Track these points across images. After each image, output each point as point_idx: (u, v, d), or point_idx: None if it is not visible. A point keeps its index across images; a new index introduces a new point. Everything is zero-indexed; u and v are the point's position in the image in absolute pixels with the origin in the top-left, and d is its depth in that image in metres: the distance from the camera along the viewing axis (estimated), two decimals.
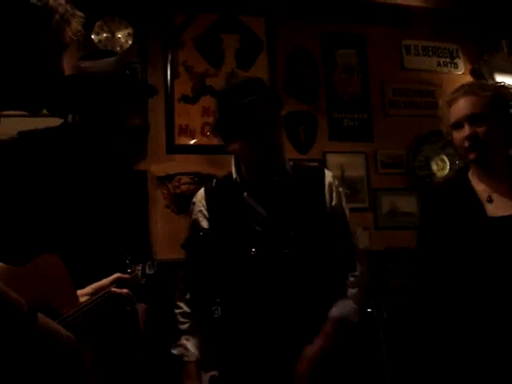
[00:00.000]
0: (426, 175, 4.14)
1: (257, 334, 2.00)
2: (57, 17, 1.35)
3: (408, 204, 3.98)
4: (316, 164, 2.37)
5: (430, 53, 4.36)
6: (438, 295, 2.08)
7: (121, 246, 1.93)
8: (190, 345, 2.11)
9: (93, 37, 3.64)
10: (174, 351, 2.13)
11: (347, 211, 2.21)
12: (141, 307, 2.17)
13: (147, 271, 1.89)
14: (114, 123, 2.02)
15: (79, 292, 1.66)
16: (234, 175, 2.20)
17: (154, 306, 2.20)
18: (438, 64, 4.36)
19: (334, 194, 2.17)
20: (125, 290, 1.72)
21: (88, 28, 3.62)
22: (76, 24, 1.43)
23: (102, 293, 1.67)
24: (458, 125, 2.12)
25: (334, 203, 2.16)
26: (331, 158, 4.00)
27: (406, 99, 4.24)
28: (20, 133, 2.01)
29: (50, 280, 1.44)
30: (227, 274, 2.07)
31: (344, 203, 2.21)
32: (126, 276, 1.79)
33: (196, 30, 3.93)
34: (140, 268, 1.88)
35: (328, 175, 2.21)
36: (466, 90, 2.15)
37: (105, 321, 1.67)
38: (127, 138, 2.08)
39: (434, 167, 4.17)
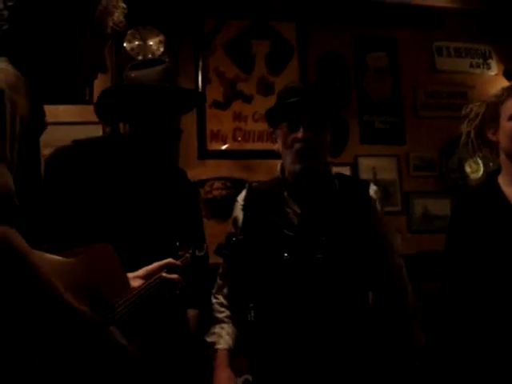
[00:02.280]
0: (459, 177, 4.10)
1: (289, 339, 2.00)
2: (100, 7, 1.38)
3: (441, 207, 3.93)
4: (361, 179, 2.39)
5: (463, 54, 4.31)
6: (468, 299, 2.06)
7: (172, 232, 1.98)
8: (224, 333, 2.13)
9: (125, 45, 3.70)
10: (208, 339, 2.14)
11: (390, 229, 2.23)
12: (193, 312, 2.22)
13: (197, 254, 1.96)
14: (163, 131, 2.07)
15: (132, 274, 1.71)
16: (278, 175, 2.22)
17: (203, 289, 2.22)
18: (471, 65, 4.31)
19: (378, 210, 2.18)
20: (175, 276, 1.77)
21: (121, 36, 3.68)
22: (119, 15, 1.46)
23: (153, 279, 1.71)
24: None
25: (377, 218, 2.16)
26: (363, 162, 3.99)
27: (438, 101, 4.20)
28: (75, 141, 2.10)
29: (102, 269, 1.48)
30: (260, 279, 2.08)
31: (386, 221, 2.23)
32: (177, 262, 1.83)
33: (226, 36, 3.96)
34: (190, 251, 1.94)
35: (373, 189, 2.21)
36: None
37: (154, 309, 1.71)
38: (168, 142, 2.13)
39: (468, 169, 4.12)
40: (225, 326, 2.15)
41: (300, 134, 2.08)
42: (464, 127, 2.28)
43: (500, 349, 1.95)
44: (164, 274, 1.76)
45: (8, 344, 1.03)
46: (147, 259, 1.80)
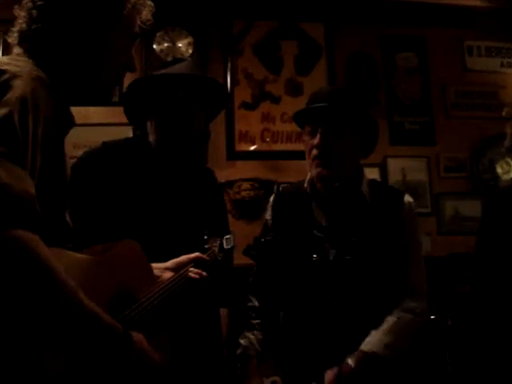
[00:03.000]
0: (491, 178, 4.04)
1: (318, 340, 1.99)
2: (129, 6, 1.38)
3: (472, 208, 3.87)
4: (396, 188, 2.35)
5: (493, 53, 4.25)
6: (499, 302, 2.03)
7: (199, 227, 2.00)
8: (254, 340, 2.17)
9: (154, 46, 3.73)
10: (241, 341, 2.19)
11: (417, 240, 2.18)
12: (224, 312, 2.24)
13: (225, 246, 1.96)
14: (190, 129, 2.08)
15: (162, 265, 1.73)
16: (306, 182, 2.22)
17: (231, 280, 2.25)
18: (502, 65, 4.25)
19: (409, 222, 2.14)
20: (203, 273, 1.79)
21: (150, 38, 3.71)
22: (146, 13, 1.46)
23: (179, 274, 1.72)
24: None
25: (408, 234, 2.12)
26: (392, 163, 3.96)
27: (469, 101, 4.14)
28: (104, 143, 2.14)
29: (128, 266, 1.48)
30: (289, 280, 2.08)
31: (419, 235, 2.19)
32: (205, 257, 1.85)
33: (255, 37, 3.97)
34: (217, 244, 1.94)
35: (407, 201, 2.17)
36: None
37: (182, 305, 1.72)
38: (195, 144, 2.14)
39: (499, 170, 4.06)
40: (256, 332, 2.19)
41: (316, 141, 2.08)
42: (509, 129, 2.24)
43: None
44: (190, 269, 1.77)
45: (23, 350, 1.02)
46: (175, 253, 1.82)
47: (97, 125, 3.54)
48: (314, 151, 2.09)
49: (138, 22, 1.44)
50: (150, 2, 1.47)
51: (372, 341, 1.99)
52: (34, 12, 1.29)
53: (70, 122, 1.39)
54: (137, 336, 1.23)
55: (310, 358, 2.01)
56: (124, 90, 2.20)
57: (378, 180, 3.46)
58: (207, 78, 2.28)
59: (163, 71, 2.15)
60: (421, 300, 2.11)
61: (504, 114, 2.26)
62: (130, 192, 2.01)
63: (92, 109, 3.55)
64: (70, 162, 1.49)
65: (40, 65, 1.23)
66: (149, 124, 2.12)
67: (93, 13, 1.31)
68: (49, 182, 1.18)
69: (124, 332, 1.18)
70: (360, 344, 1.97)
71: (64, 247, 1.20)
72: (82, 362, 1.13)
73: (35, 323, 1.02)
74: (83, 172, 2.04)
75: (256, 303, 2.23)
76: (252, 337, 2.18)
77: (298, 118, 2.22)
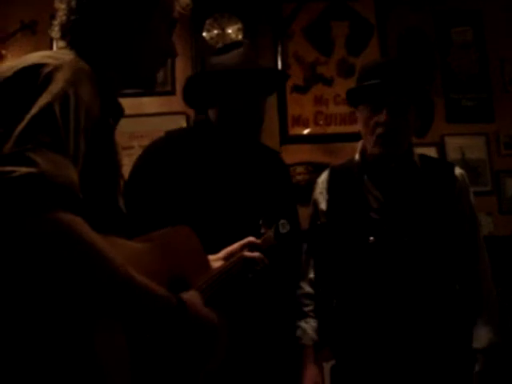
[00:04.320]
0: None
1: (375, 324, 1.97)
2: None
3: None
4: (447, 161, 2.29)
5: None
6: None
7: (261, 212, 1.97)
8: (309, 328, 2.12)
9: (204, 34, 3.73)
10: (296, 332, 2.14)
11: (476, 215, 2.14)
12: None
13: (280, 230, 1.90)
14: (251, 116, 2.09)
15: (213, 256, 1.73)
16: (357, 157, 2.18)
17: (288, 268, 2.20)
18: None
19: (464, 194, 2.10)
20: (257, 254, 1.76)
21: (199, 26, 3.72)
22: None
23: (233, 259, 1.71)
24: None
25: (464, 204, 2.09)
26: (450, 141, 3.86)
27: None
28: (168, 132, 2.18)
29: (182, 252, 1.48)
30: (345, 263, 2.06)
31: (474, 208, 2.13)
32: (258, 241, 1.82)
33: (305, 20, 3.92)
34: (273, 229, 1.91)
35: (459, 173, 2.12)
36: None
37: (237, 288, 1.71)
38: (258, 128, 2.15)
39: None
40: (310, 320, 2.14)
41: (383, 118, 2.03)
42: None
43: None
44: (245, 253, 1.75)
45: (75, 332, 1.03)
46: (232, 239, 1.81)
47: (151, 115, 3.59)
48: (380, 129, 2.04)
49: (177, 8, 1.44)
50: None
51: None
52: (73, 3, 1.31)
53: (120, 112, 1.40)
54: (191, 298, 1.23)
55: (366, 343, 1.99)
56: (176, 79, 2.22)
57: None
58: (268, 69, 2.26)
59: (215, 60, 2.15)
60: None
61: None
62: (194, 180, 2.02)
63: (145, 99, 3.59)
64: (128, 152, 1.50)
65: (82, 55, 1.24)
66: (211, 111, 2.14)
67: (131, 0, 1.32)
68: (97, 170, 1.19)
69: (178, 299, 1.18)
70: (420, 328, 1.93)
71: (116, 234, 1.21)
72: (141, 337, 1.14)
73: (85, 302, 1.03)
74: (149, 162, 2.08)
75: (309, 289, 2.17)
76: (306, 325, 2.13)
77: (356, 94, 2.15)
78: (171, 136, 2.19)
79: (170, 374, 1.24)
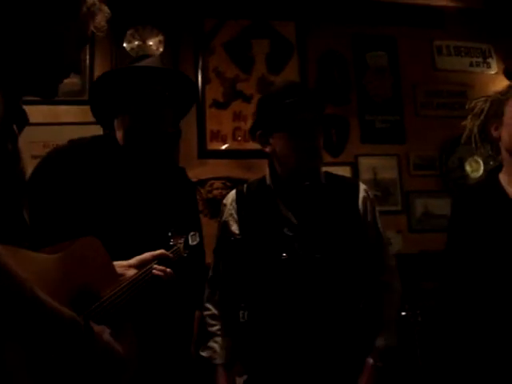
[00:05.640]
0: (460, 177, 4.09)
1: (286, 339, 1.99)
2: (84, 9, 1.36)
3: (441, 206, 3.89)
4: (350, 177, 2.35)
5: (462, 53, 4.30)
6: (468, 298, 2.06)
7: (166, 225, 1.97)
8: (218, 347, 2.10)
9: (125, 45, 3.70)
10: (203, 353, 2.12)
11: (382, 229, 2.20)
12: (198, 313, 2.23)
13: (190, 242, 1.91)
14: (157, 126, 2.07)
15: (125, 262, 1.70)
16: (268, 181, 2.20)
17: (197, 279, 2.20)
18: (471, 64, 4.31)
19: (369, 209, 2.15)
20: (163, 268, 1.75)
21: (120, 37, 3.68)
22: (101, 19, 1.43)
23: (142, 271, 1.69)
24: None
25: (369, 218, 2.14)
26: (363, 161, 3.98)
27: (439, 100, 4.19)
28: (71, 141, 2.11)
29: (88, 264, 1.44)
30: (257, 279, 2.07)
31: (379, 221, 2.19)
32: (169, 254, 1.81)
33: (226, 36, 3.96)
34: (182, 240, 1.90)
35: (362, 189, 2.18)
36: None
37: (143, 302, 1.68)
38: (164, 143, 2.12)
39: (468, 168, 4.11)
40: (218, 339, 2.12)
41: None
42: (468, 122, 2.27)
43: (501, 347, 1.95)
44: (154, 266, 1.74)
45: None
46: (140, 250, 1.79)
47: (67, 124, 3.51)
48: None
49: (92, 27, 1.42)
50: (106, 9, 1.45)
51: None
52: None
53: (24, 119, 1.36)
54: (98, 328, 1.21)
55: (276, 357, 2.00)
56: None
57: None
58: (175, 70, 2.26)
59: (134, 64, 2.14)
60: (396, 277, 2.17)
61: (467, 106, 2.29)
62: (96, 190, 1.98)
63: (62, 108, 3.51)
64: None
65: None
66: (116, 122, 2.10)
67: (44, 7, 1.29)
68: (1, 180, 1.16)
69: (85, 324, 1.15)
70: (326, 342, 1.96)
71: (20, 246, 1.18)
72: (42, 358, 1.10)
73: None
74: (49, 170, 2.01)
75: (214, 311, 2.15)
76: (215, 345, 2.10)
77: (275, 114, 2.11)
78: (75, 144, 2.12)
79: None
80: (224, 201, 2.28)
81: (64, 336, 1.10)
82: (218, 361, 2.09)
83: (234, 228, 2.16)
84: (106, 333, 1.24)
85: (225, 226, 2.20)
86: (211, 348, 2.11)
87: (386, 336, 2.03)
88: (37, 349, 1.08)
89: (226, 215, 2.21)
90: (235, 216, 2.18)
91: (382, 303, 2.09)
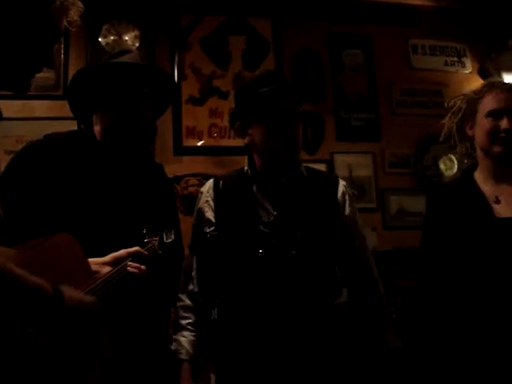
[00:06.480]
0: (434, 175, 4.12)
1: (258, 338, 1.97)
2: (57, 2, 1.35)
3: (416, 204, 3.92)
4: (331, 173, 2.35)
5: (438, 52, 4.33)
6: (443, 295, 2.08)
7: (142, 222, 1.96)
8: (185, 342, 2.08)
9: (100, 40, 3.67)
10: (171, 346, 2.11)
11: (360, 223, 2.21)
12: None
13: (165, 240, 1.91)
14: (136, 121, 2.04)
15: (100, 260, 1.70)
16: (246, 167, 2.18)
17: (172, 276, 2.18)
18: (446, 63, 4.34)
19: (347, 204, 2.15)
20: (138, 265, 1.75)
21: (95, 31, 3.64)
22: (74, 14, 1.41)
23: (117, 268, 1.69)
24: (497, 113, 2.10)
25: (347, 213, 2.14)
26: (339, 159, 3.99)
27: (414, 99, 4.22)
28: (46, 135, 2.08)
29: (62, 260, 1.43)
30: (233, 276, 2.06)
31: (357, 216, 2.20)
32: (144, 251, 1.81)
33: (203, 32, 3.94)
34: (157, 238, 1.89)
35: (342, 185, 2.19)
36: (510, 85, 2.16)
37: (118, 299, 1.67)
38: (141, 139, 2.10)
39: (442, 167, 4.15)
40: (186, 333, 2.09)
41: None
42: (447, 120, 2.29)
43: (476, 344, 1.97)
44: (129, 263, 1.74)
45: None
46: (115, 247, 1.79)
47: (41, 119, 3.46)
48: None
49: (64, 22, 1.40)
50: (79, 3, 1.43)
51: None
52: None
53: None
54: (66, 290, 1.19)
55: (250, 358, 1.97)
56: (68, 83, 2.16)
57: None
58: (154, 66, 2.25)
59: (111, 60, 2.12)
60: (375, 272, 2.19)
61: (445, 105, 2.31)
62: (71, 185, 1.96)
63: (36, 102, 3.47)
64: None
65: None
66: (94, 117, 2.08)
67: (20, 3, 1.27)
68: None
69: (54, 288, 1.14)
70: (300, 340, 1.96)
71: None
72: (13, 327, 1.09)
73: None
74: (24, 165, 1.99)
75: (188, 302, 2.13)
76: (182, 339, 2.08)
77: (254, 104, 2.09)
78: (51, 139, 2.10)
79: (50, 370, 1.19)
80: (201, 189, 2.26)
81: (33, 301, 1.08)
82: (183, 356, 2.06)
83: (209, 215, 2.14)
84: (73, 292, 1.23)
85: (200, 213, 2.18)
86: (178, 341, 2.09)
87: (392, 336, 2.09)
88: (10, 316, 1.07)
89: (201, 202, 2.19)
90: (211, 203, 2.15)
91: (366, 300, 2.12)
